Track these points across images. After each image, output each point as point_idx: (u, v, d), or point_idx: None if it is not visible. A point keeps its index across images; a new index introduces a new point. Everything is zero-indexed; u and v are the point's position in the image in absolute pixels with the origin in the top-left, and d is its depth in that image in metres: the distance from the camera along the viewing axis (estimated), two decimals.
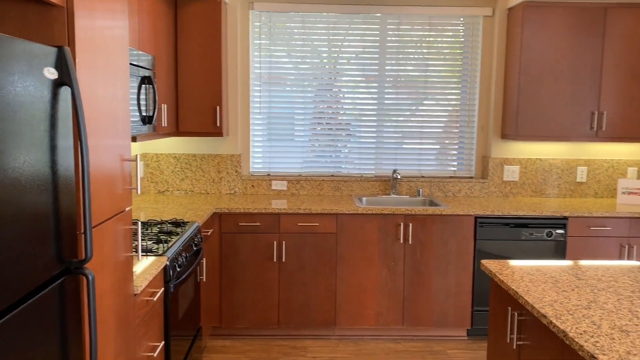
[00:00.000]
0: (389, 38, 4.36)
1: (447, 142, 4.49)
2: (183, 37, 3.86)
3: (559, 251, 3.85)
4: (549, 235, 3.84)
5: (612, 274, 2.33)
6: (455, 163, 4.51)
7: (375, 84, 4.41)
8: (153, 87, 3.05)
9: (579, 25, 3.98)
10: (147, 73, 2.99)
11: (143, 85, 2.92)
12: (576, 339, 1.64)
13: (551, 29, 3.98)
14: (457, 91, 4.44)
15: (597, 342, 1.62)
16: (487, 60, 4.40)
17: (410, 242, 3.82)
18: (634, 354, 1.54)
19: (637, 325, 1.76)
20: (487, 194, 4.44)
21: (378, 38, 4.36)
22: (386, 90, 4.41)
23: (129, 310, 2.02)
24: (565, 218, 3.83)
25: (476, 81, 4.43)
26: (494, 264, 2.45)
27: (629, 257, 3.86)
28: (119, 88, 1.89)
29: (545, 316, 1.83)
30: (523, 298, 2.01)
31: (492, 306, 2.46)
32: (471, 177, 4.52)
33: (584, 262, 2.51)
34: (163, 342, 2.43)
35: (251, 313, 3.87)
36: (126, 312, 1.99)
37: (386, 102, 4.42)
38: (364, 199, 4.27)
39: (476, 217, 3.82)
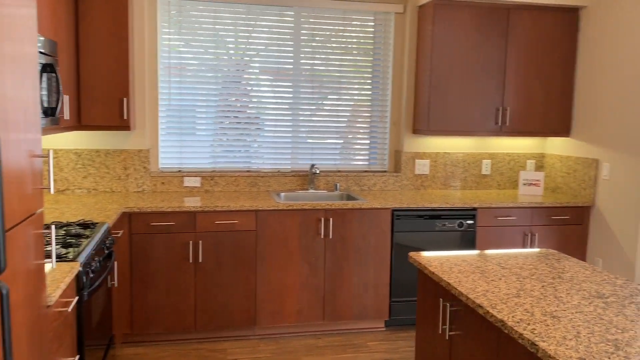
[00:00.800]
0: (302, 32, 4.31)
1: (360, 137, 4.53)
2: (86, 22, 3.55)
3: (470, 241, 4.02)
4: (460, 225, 3.99)
5: (532, 262, 2.45)
6: (369, 157, 4.57)
7: (289, 78, 4.34)
8: (56, 76, 2.77)
9: (485, 25, 4.17)
10: (49, 60, 2.71)
11: (45, 74, 2.63)
12: (515, 328, 1.69)
13: (460, 27, 4.14)
14: (370, 87, 4.49)
15: (534, 329, 1.68)
16: (398, 57, 4.49)
17: (330, 237, 3.81)
18: (569, 339, 1.61)
19: (565, 310, 1.85)
20: (401, 187, 4.54)
21: (292, 31, 4.30)
22: (301, 84, 4.36)
23: (42, 324, 1.81)
24: (475, 209, 4.01)
25: (388, 77, 4.51)
26: (423, 257, 2.49)
27: (531, 244, 4.12)
28: (28, 75, 1.67)
29: (481, 306, 1.88)
30: (457, 289, 2.05)
31: (421, 298, 2.50)
32: (385, 171, 4.60)
33: (504, 251, 2.62)
34: (78, 356, 2.21)
35: (166, 317, 3.66)
36: (39, 326, 1.77)
37: (301, 95, 4.37)
38: (282, 194, 4.20)
39: (393, 210, 3.89)
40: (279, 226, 3.73)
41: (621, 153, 3.90)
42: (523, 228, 4.10)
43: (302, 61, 4.34)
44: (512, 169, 4.73)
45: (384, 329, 4.05)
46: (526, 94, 4.31)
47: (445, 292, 2.24)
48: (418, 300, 2.53)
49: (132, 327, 3.63)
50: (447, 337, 2.21)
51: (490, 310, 1.82)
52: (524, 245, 4.11)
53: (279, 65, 4.31)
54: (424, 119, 4.23)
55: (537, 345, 1.57)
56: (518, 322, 1.73)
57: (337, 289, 3.87)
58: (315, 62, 4.36)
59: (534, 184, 4.47)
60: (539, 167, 4.79)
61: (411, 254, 2.53)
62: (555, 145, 4.65)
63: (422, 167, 4.53)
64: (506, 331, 1.72)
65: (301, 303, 3.83)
